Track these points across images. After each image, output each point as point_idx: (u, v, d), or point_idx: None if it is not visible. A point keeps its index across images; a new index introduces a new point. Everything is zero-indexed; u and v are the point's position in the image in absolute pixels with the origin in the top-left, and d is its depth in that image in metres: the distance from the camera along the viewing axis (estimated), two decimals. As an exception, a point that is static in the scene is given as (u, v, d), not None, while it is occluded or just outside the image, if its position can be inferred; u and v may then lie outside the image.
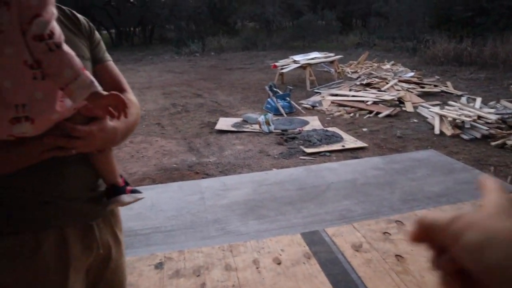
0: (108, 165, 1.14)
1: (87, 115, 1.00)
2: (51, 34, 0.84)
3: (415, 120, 7.31)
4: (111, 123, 1.03)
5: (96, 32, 1.23)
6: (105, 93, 0.93)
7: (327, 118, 7.72)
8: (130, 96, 1.21)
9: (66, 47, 0.87)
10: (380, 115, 7.65)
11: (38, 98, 0.88)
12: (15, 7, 0.79)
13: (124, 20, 27.35)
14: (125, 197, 1.14)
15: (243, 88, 11.18)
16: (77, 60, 0.89)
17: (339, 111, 8.05)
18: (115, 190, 1.14)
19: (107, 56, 1.24)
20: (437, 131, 6.52)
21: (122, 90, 1.17)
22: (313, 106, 8.52)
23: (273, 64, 11.94)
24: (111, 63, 1.24)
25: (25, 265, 0.97)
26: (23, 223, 0.98)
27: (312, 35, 22.23)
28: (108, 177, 1.15)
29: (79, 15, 1.17)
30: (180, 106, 9.30)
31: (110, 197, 1.14)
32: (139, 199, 1.18)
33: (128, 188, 1.17)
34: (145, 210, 3.22)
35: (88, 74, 0.90)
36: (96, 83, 0.91)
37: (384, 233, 2.53)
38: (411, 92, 9.09)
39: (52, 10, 0.86)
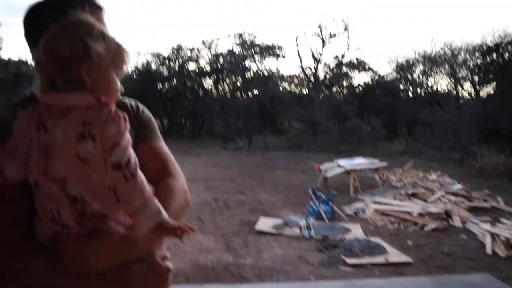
0: None
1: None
2: (128, 162, 0.90)
3: (464, 237, 6.93)
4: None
5: (146, 112, 1.24)
6: (172, 224, 0.94)
7: (370, 227, 7.48)
8: (173, 181, 1.14)
9: (139, 175, 0.93)
10: (426, 228, 7.33)
11: (120, 220, 0.95)
12: (99, 139, 0.87)
13: (177, 112, 29.07)
14: None
15: (285, 189, 11.18)
16: (147, 188, 0.94)
17: (383, 221, 7.81)
18: None
19: (155, 136, 1.22)
20: (489, 250, 6.12)
21: (166, 172, 1.15)
22: (356, 213, 8.34)
23: (317, 167, 11.99)
24: (158, 144, 1.21)
25: None
26: None
27: (358, 140, 22.43)
28: None
29: (127, 100, 1.21)
30: (221, 201, 9.36)
31: None
32: None
33: None
34: (177, 314, 3.12)
35: (157, 202, 0.95)
36: (164, 213, 0.95)
37: None
38: (459, 205, 8.75)
39: (128, 136, 0.92)
